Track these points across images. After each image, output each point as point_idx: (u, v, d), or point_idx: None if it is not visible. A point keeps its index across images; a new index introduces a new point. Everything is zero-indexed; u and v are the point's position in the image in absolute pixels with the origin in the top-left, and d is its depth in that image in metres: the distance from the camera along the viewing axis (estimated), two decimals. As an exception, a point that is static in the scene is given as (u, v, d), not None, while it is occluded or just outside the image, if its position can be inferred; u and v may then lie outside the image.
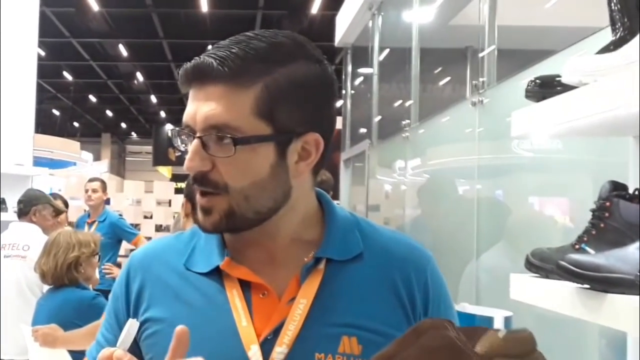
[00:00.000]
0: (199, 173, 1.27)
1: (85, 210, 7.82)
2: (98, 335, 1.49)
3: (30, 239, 5.39)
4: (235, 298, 1.33)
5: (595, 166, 2.94)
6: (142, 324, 1.35)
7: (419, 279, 1.41)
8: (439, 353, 0.94)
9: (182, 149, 1.31)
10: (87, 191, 7.46)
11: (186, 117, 1.28)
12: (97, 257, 4.26)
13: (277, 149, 1.28)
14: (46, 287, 4.31)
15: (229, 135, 1.23)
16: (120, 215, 8.36)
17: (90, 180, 7.70)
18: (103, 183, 7.64)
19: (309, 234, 1.41)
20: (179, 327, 1.16)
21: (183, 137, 1.30)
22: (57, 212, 5.93)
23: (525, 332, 0.98)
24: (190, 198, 3.53)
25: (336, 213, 1.45)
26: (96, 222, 7.37)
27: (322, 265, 1.36)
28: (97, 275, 4.39)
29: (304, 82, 1.29)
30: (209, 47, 1.30)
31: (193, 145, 1.26)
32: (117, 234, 7.24)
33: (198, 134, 1.25)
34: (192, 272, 1.38)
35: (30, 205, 5.76)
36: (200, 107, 1.25)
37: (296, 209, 1.38)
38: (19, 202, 5.84)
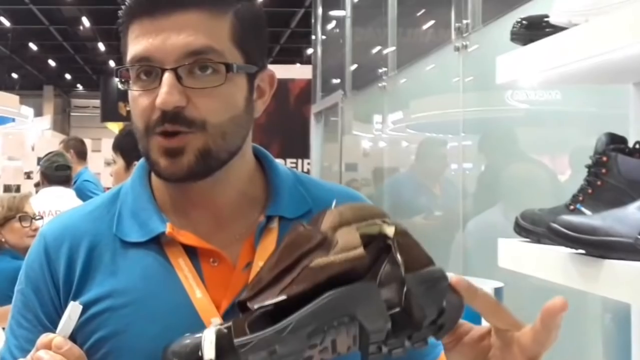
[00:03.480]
0: (174, 109, 1.24)
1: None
2: (9, 340, 1.38)
3: None
4: (183, 268, 1.31)
5: (595, 118, 2.94)
6: None
7: None
8: (292, 247, 1.08)
9: (138, 89, 1.28)
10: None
11: (146, 49, 1.25)
12: (19, 220, 4.19)
13: (248, 82, 1.33)
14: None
15: (220, 61, 1.25)
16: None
17: None
18: None
19: (253, 190, 1.42)
20: None
21: (137, 76, 1.28)
22: None
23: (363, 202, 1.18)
24: (124, 152, 3.42)
25: (278, 167, 1.47)
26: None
27: (275, 224, 1.37)
28: (27, 241, 4.28)
29: (259, 16, 1.37)
30: None
31: (167, 78, 1.24)
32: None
33: (171, 66, 1.24)
34: (125, 241, 1.35)
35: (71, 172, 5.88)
36: (172, 35, 1.24)
37: (246, 157, 1.41)
38: (67, 167, 5.92)
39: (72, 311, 1.21)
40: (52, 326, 1.28)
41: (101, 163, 16.63)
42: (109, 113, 29.67)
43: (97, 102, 32.21)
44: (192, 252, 1.32)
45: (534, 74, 1.81)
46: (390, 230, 1.09)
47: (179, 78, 1.24)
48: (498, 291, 2.60)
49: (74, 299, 1.29)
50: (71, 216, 1.44)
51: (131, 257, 1.33)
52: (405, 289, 1.05)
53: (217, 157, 1.29)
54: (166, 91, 1.23)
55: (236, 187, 1.38)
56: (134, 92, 1.29)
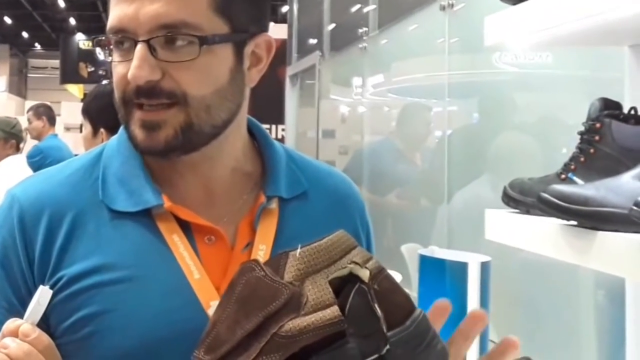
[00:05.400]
0: (147, 84, 1.24)
1: None
2: None
3: None
4: (178, 245, 1.30)
5: (589, 82, 2.95)
6: (53, 286, 1.25)
7: (362, 217, 1.51)
8: (253, 300, 1.04)
9: (116, 59, 1.28)
10: None
11: (120, 19, 1.25)
12: None
13: (235, 52, 1.32)
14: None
15: (192, 34, 1.24)
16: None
17: None
18: None
19: (247, 166, 1.42)
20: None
21: (116, 44, 1.28)
22: None
23: (322, 240, 1.10)
24: (91, 116, 3.40)
25: (274, 144, 1.47)
26: None
27: (274, 205, 1.38)
28: None
29: None
30: None
31: (138, 51, 1.23)
32: None
33: (143, 37, 1.23)
34: (113, 210, 1.32)
35: None
36: (145, 5, 1.22)
37: (240, 129, 1.41)
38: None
39: (42, 296, 1.17)
40: (20, 304, 1.25)
41: (61, 128, 16.52)
42: (69, 74, 29.35)
43: (56, 62, 31.88)
44: (185, 228, 1.31)
45: (525, 36, 1.82)
46: (364, 274, 1.06)
47: (152, 50, 1.23)
48: (485, 265, 2.60)
49: (53, 273, 1.27)
50: (48, 180, 1.39)
51: (119, 228, 1.31)
52: (387, 346, 1.02)
53: (199, 131, 1.28)
54: (136, 65, 1.23)
55: (229, 162, 1.38)
56: (112, 61, 1.29)
